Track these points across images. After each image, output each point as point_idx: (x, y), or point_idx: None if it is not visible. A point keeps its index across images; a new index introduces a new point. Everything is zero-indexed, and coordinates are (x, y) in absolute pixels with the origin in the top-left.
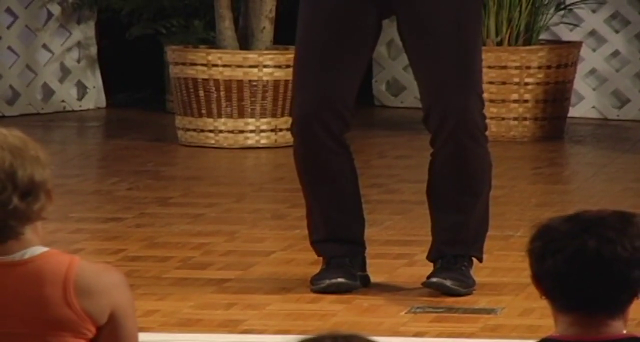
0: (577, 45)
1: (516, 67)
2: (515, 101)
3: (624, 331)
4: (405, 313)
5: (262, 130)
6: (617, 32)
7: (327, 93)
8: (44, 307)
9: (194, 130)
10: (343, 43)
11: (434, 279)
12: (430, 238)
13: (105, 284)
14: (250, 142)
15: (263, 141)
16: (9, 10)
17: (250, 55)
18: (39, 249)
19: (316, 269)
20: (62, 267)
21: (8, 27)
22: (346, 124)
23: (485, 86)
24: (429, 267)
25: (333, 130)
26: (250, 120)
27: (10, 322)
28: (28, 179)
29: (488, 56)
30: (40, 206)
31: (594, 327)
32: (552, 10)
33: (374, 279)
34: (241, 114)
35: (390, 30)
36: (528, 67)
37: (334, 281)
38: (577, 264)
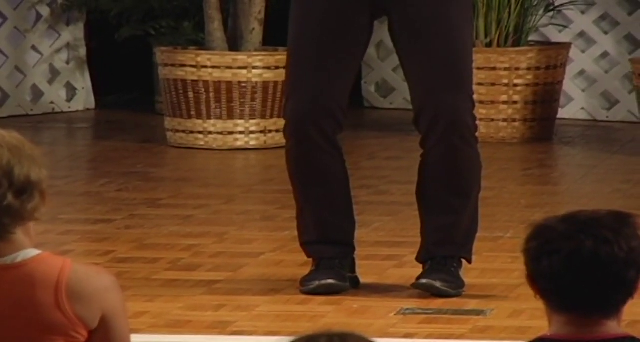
0: (566, 46)
1: (505, 69)
2: (504, 102)
3: (619, 331)
4: (395, 314)
5: (252, 132)
6: (606, 33)
7: (321, 94)
8: (35, 311)
9: (183, 131)
10: (336, 44)
11: (424, 281)
12: (419, 239)
13: (97, 288)
14: (239, 143)
15: (252, 142)
16: None
17: (240, 57)
18: (31, 252)
19: (306, 271)
20: (54, 271)
21: None
22: (339, 125)
23: (474, 87)
24: (419, 269)
25: (326, 132)
26: (239, 121)
27: (2, 326)
28: (25, 177)
29: (477, 57)
30: (34, 205)
31: (588, 326)
32: (541, 12)
33: (363, 280)
34: (230, 116)
35: (379, 31)
36: (517, 69)
37: (323, 282)
38: (573, 265)
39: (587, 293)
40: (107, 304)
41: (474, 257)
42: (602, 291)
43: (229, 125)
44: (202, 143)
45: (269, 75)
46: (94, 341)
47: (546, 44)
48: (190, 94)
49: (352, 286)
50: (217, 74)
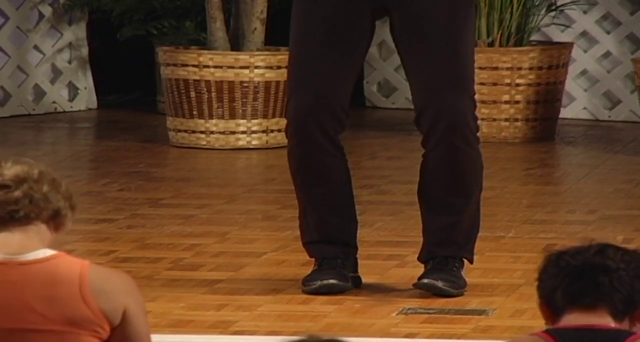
0: (568, 46)
1: (507, 68)
2: (506, 102)
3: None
4: (397, 314)
5: (253, 132)
6: (608, 33)
7: (323, 94)
8: (63, 304)
9: (185, 131)
10: (338, 44)
11: (425, 280)
12: (421, 239)
13: (118, 285)
14: (241, 143)
15: (254, 142)
16: None
17: (242, 56)
18: (49, 251)
19: (307, 270)
20: (75, 268)
21: None
22: (341, 125)
23: (476, 87)
24: (420, 268)
25: (329, 132)
26: (241, 121)
27: (30, 318)
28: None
29: (479, 57)
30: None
31: (596, 318)
32: (543, 11)
33: (365, 280)
34: (232, 115)
35: (381, 31)
36: (519, 68)
37: (325, 282)
38: (583, 269)
39: (594, 289)
40: (128, 300)
41: (475, 257)
42: (607, 290)
43: (230, 125)
44: (204, 143)
45: (270, 74)
46: (115, 338)
47: (548, 43)
48: (192, 94)
49: (354, 285)
50: (219, 74)
